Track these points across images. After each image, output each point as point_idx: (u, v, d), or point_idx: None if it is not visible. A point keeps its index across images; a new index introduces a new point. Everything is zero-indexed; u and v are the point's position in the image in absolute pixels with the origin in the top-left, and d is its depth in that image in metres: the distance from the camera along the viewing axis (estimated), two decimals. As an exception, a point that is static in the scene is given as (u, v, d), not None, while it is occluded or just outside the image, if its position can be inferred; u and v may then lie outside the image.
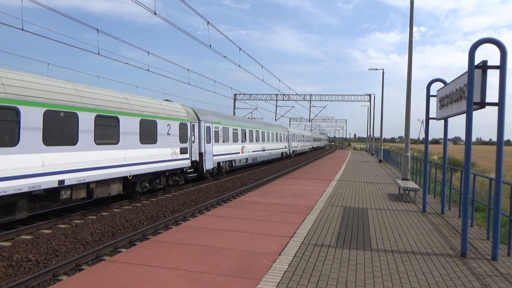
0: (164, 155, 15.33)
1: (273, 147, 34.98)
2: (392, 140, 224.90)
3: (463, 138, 6.89)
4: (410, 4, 17.66)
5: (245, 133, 26.71)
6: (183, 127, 16.94)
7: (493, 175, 8.51)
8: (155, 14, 14.65)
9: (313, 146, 68.68)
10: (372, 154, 50.95)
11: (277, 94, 48.88)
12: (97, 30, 15.45)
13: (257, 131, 29.82)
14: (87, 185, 11.34)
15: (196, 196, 15.70)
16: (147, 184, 14.68)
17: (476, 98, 6.31)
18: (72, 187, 10.79)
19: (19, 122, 9.08)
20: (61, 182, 10.21)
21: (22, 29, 12.87)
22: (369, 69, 38.92)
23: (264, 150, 31.65)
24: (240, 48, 23.09)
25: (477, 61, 6.31)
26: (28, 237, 9.36)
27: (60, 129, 10.32)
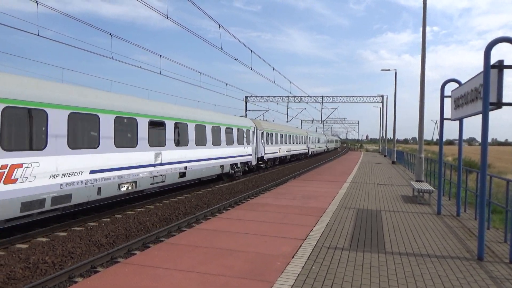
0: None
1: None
2: (405, 141, 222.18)
3: (478, 138, 6.80)
4: (423, 3, 17.49)
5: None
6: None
7: (509, 176, 8.33)
8: (167, 17, 14.79)
9: (288, 155, 37.71)
10: (385, 156, 50.43)
11: (288, 96, 48.78)
12: (110, 34, 15.65)
13: None
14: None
15: (208, 198, 15.76)
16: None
17: (493, 98, 6.20)
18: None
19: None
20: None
21: (38, 35, 13.11)
22: (382, 70, 38.56)
23: None
24: (251, 51, 23.13)
25: (492, 60, 6.21)
26: (44, 239, 9.51)
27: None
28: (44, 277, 7.16)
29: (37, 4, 12.05)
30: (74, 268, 7.31)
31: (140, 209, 13.45)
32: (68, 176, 10.10)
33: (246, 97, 49.30)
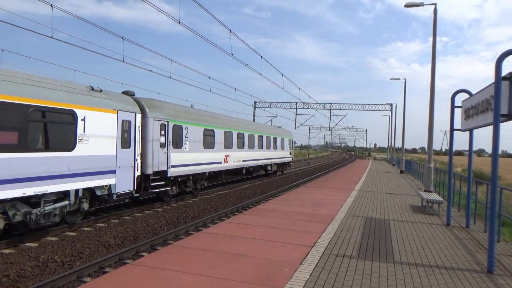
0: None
1: None
2: (414, 150, 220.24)
3: (487, 150, 6.77)
4: (434, 13, 17.47)
5: None
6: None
7: (521, 189, 8.27)
8: (179, 22, 14.95)
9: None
10: (393, 165, 50.12)
11: (297, 102, 48.87)
12: (122, 38, 15.87)
13: None
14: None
15: (216, 203, 15.81)
16: None
17: (504, 110, 6.18)
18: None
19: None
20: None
21: (52, 37, 13.33)
22: (391, 79, 38.39)
23: None
24: (261, 57, 23.26)
25: (504, 72, 6.20)
26: (53, 238, 9.63)
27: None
28: (53, 276, 7.25)
29: (52, 7, 12.30)
30: (83, 268, 7.39)
31: (148, 212, 13.54)
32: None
33: (255, 102, 49.46)
